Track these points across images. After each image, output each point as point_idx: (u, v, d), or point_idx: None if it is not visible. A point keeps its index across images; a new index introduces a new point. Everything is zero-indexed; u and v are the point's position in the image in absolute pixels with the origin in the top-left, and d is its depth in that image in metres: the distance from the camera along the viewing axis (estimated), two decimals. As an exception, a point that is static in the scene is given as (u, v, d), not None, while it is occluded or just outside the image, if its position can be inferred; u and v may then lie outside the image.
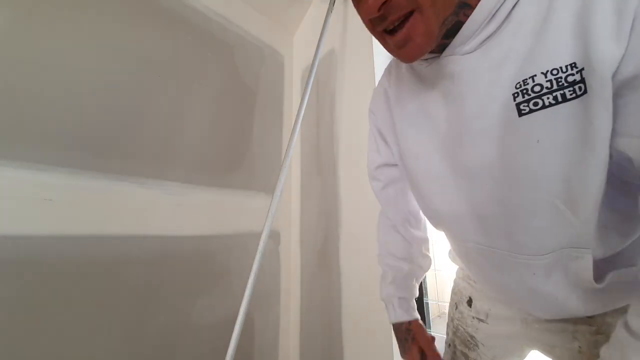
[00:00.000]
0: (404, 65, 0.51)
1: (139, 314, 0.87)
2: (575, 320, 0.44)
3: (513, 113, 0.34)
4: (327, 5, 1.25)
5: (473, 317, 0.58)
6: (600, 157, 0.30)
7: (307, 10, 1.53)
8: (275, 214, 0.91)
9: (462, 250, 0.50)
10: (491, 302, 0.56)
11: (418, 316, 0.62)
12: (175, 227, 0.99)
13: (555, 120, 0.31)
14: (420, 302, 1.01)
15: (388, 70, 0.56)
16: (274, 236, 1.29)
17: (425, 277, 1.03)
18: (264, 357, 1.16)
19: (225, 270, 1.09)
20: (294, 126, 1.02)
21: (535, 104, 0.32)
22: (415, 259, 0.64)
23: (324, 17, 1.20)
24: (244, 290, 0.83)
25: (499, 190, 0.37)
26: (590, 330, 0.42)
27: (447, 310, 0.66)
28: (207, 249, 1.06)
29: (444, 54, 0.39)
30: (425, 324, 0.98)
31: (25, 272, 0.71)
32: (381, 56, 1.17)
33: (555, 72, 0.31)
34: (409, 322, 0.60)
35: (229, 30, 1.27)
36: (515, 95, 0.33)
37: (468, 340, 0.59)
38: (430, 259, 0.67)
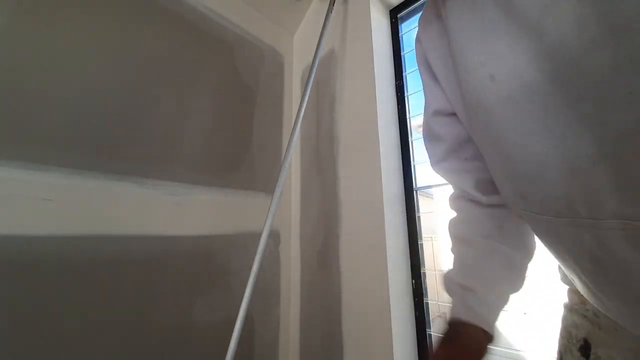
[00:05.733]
0: None
1: (139, 314, 0.87)
2: None
3: None
4: (327, 6, 1.25)
5: None
6: None
7: (307, 10, 1.53)
8: (275, 214, 0.91)
9: (589, 245, 0.27)
10: (633, 348, 0.31)
11: (488, 322, 0.42)
12: (175, 227, 0.99)
13: None
14: (420, 302, 1.01)
15: None
16: (274, 236, 1.29)
17: (425, 276, 1.04)
18: (264, 357, 1.16)
19: (225, 270, 1.09)
20: (294, 126, 1.02)
21: None
22: (508, 235, 0.44)
23: (324, 17, 1.21)
24: (244, 290, 0.83)
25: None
26: None
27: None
28: (207, 249, 1.06)
29: None
30: (425, 324, 0.98)
31: (25, 272, 0.71)
32: (381, 56, 1.17)
33: None
34: (463, 324, 0.42)
35: (229, 30, 1.27)
36: None
37: None
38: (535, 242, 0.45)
